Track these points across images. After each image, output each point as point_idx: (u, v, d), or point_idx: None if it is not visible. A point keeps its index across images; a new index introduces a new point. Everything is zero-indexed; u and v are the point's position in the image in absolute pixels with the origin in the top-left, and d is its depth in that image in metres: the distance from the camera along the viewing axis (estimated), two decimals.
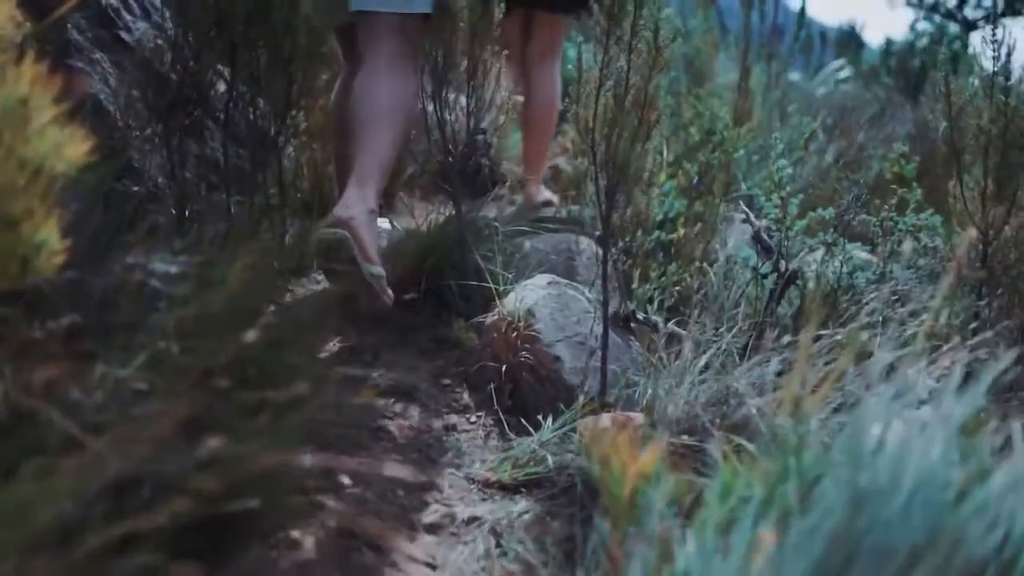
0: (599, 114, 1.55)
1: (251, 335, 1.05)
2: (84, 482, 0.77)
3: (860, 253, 1.90)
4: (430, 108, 1.83)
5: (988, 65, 1.68)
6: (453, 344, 1.76)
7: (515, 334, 1.60)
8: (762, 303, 1.71)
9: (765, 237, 1.71)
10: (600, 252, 2.05)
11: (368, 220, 1.69)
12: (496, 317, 1.65)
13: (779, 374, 1.44)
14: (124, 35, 2.09)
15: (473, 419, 1.54)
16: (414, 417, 1.51)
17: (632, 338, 1.71)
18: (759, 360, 1.49)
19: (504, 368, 1.59)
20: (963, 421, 0.84)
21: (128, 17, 2.12)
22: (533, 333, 1.58)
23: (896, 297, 1.70)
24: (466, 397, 1.61)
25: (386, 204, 2.54)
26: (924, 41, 6.49)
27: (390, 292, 1.69)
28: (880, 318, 1.53)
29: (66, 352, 0.98)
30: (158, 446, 0.87)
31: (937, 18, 8.62)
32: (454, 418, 1.54)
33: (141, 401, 0.97)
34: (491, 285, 1.74)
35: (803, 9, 4.14)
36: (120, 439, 0.84)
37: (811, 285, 1.72)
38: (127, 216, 1.80)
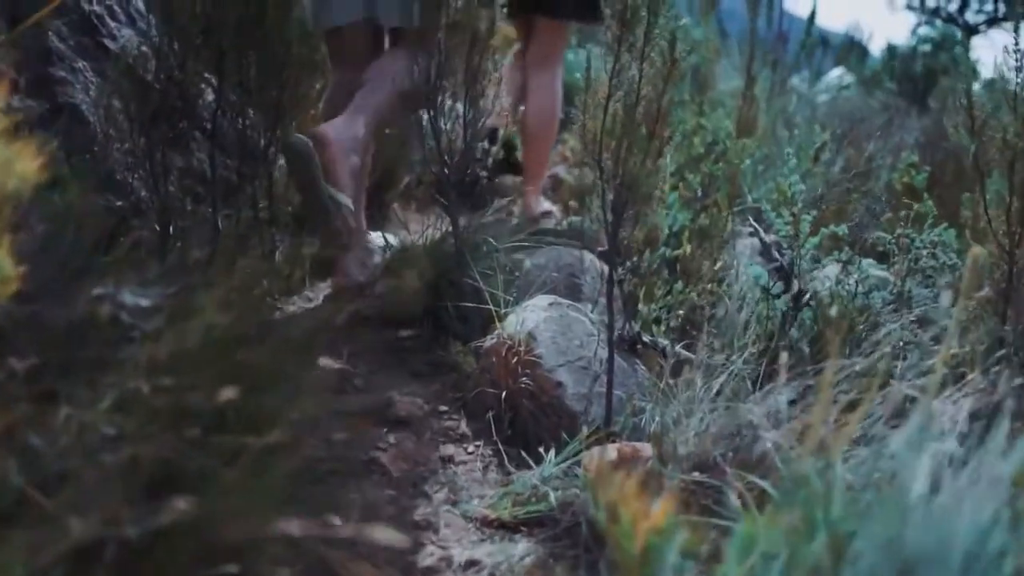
0: (607, 126, 1.47)
1: (230, 374, 0.97)
2: (38, 553, 0.69)
3: (875, 271, 1.82)
4: (425, 117, 1.75)
5: (1011, 76, 1.60)
6: (450, 368, 1.68)
7: (515, 359, 1.52)
8: (774, 325, 1.63)
9: (777, 255, 1.63)
10: (605, 272, 1.99)
11: (348, 148, 1.66)
12: (495, 340, 1.57)
13: (793, 402, 1.37)
14: (108, 42, 2.01)
15: (471, 449, 1.46)
16: (408, 447, 1.43)
17: (637, 361, 1.63)
18: (772, 388, 1.41)
19: (503, 395, 1.51)
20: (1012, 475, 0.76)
21: (112, 24, 2.04)
22: (534, 358, 1.50)
23: (915, 319, 1.62)
24: (463, 425, 1.53)
25: (379, 215, 2.47)
26: (927, 46, 6.43)
27: (352, 225, 1.64)
28: (900, 342, 1.45)
29: (27, 393, 0.90)
30: (124, 503, 0.79)
31: (939, 23, 8.56)
32: (451, 448, 1.45)
33: (109, 447, 0.89)
34: (490, 307, 1.66)
35: (812, 15, 4.05)
36: (81, 499, 0.76)
37: (825, 306, 1.64)
38: (106, 235, 1.72)
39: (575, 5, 2.75)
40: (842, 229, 1.67)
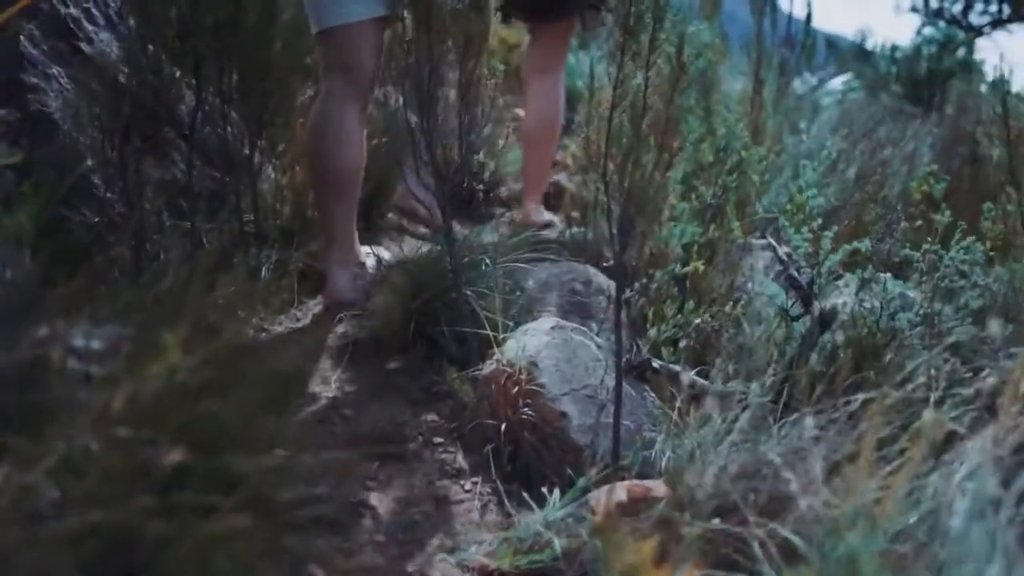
0: (612, 137, 1.37)
1: (195, 425, 0.86)
2: None
3: (897, 287, 1.71)
4: (417, 128, 1.64)
5: None
6: (446, 395, 1.57)
7: (515, 388, 1.41)
8: (793, 348, 1.52)
9: (795, 274, 1.53)
10: (611, 288, 1.88)
11: None
12: (494, 367, 1.46)
13: (818, 440, 1.26)
14: (85, 47, 1.90)
15: (468, 487, 1.35)
16: (401, 486, 1.32)
17: (647, 388, 1.52)
18: (794, 420, 1.30)
19: (503, 427, 1.40)
20: None
21: (90, 27, 1.93)
22: (536, 388, 1.39)
23: (941, 341, 1.51)
24: (460, 459, 1.42)
25: (373, 227, 2.36)
26: (932, 48, 6.32)
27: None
28: (932, 371, 1.34)
29: None
30: None
31: (942, 24, 8.46)
32: (446, 485, 1.35)
33: (53, 514, 0.79)
34: (488, 332, 1.55)
35: (809, 16, 3.95)
36: None
37: (847, 327, 1.53)
38: (72, 256, 1.61)
39: (576, 7, 2.65)
40: (864, 245, 1.56)
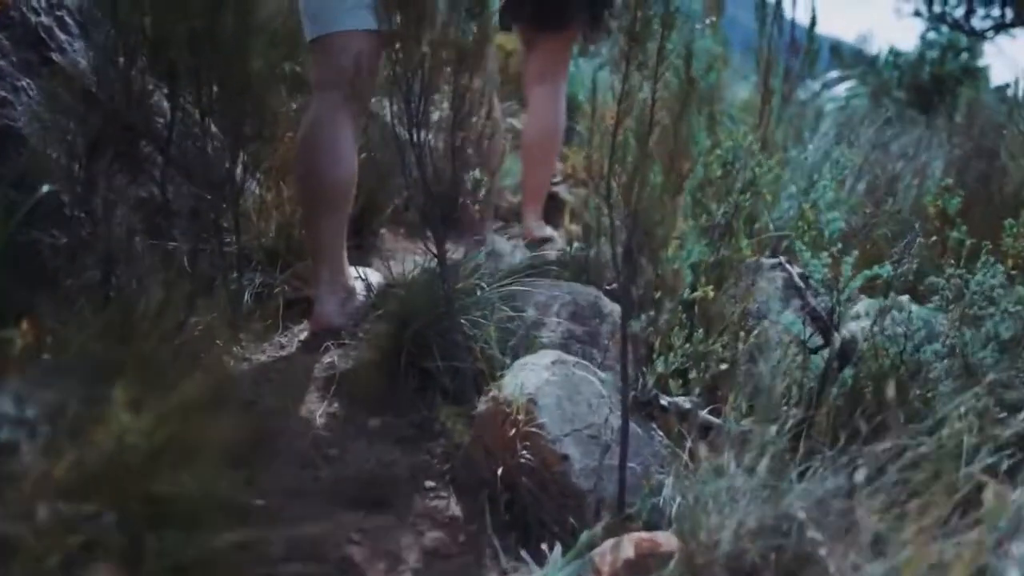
0: (617, 156, 1.26)
1: (147, 499, 0.76)
2: None
3: (916, 310, 1.61)
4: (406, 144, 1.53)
5: None
6: (438, 432, 1.46)
7: (513, 429, 1.30)
8: (810, 381, 1.42)
9: (813, 303, 1.42)
10: (615, 312, 1.77)
11: None
12: (490, 404, 1.36)
13: (848, 493, 1.15)
14: (57, 57, 1.80)
15: (461, 538, 1.24)
16: (388, 538, 1.21)
17: (654, 426, 1.42)
18: (815, 466, 1.20)
19: (500, 471, 1.30)
20: None
21: (63, 37, 1.82)
22: (535, 429, 1.29)
23: (970, 374, 1.41)
24: (452, 505, 1.31)
25: (366, 244, 2.25)
26: (934, 53, 6.23)
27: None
28: (965, 410, 1.24)
29: None
30: None
31: (944, 28, 8.37)
32: (438, 537, 1.24)
33: None
34: (483, 365, 1.44)
35: (813, 21, 3.85)
36: None
37: (867, 360, 1.43)
38: (37, 282, 1.50)
39: (578, 17, 2.55)
40: (886, 270, 1.46)
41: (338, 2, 1.75)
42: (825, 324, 1.37)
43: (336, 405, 1.52)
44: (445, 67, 1.54)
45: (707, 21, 3.56)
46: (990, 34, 8.36)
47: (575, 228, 2.60)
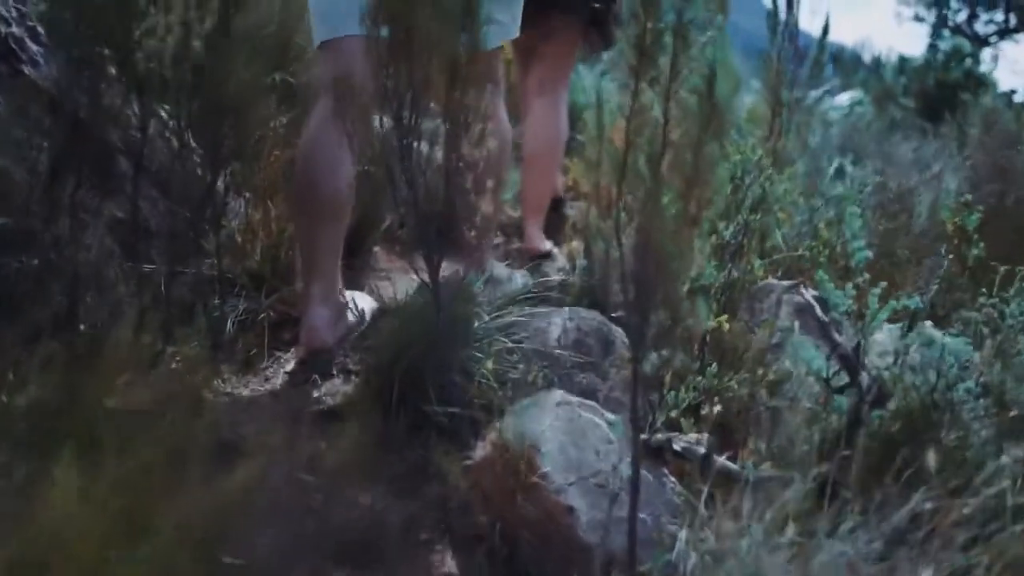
0: (626, 183, 1.16)
1: None
2: None
3: (937, 336, 1.50)
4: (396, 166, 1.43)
5: None
6: (433, 476, 1.36)
7: (514, 477, 1.20)
8: (834, 421, 1.31)
9: (836, 336, 1.32)
10: (621, 339, 1.67)
11: None
12: (488, 450, 1.25)
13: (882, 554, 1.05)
14: (27, 70, 1.69)
15: None
16: None
17: (665, 471, 1.31)
18: (848, 524, 1.10)
19: (499, 524, 1.19)
20: None
21: (34, 48, 1.72)
22: (538, 479, 1.18)
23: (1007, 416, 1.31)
24: (448, 560, 1.21)
25: (359, 263, 2.15)
26: (939, 58, 6.14)
27: None
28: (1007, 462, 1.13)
29: None
30: None
31: (947, 33, 8.29)
32: None
33: None
34: (480, 400, 1.34)
35: (825, 29, 3.76)
36: None
37: (895, 397, 1.32)
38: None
39: (582, 29, 2.47)
40: (915, 302, 1.36)
41: (349, 3, 1.62)
42: (852, 363, 1.27)
43: (322, 445, 1.41)
44: (437, 81, 1.44)
45: (715, 23, 3.46)
46: (993, 39, 8.28)
47: (576, 244, 2.50)
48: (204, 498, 0.87)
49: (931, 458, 1.18)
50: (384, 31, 1.42)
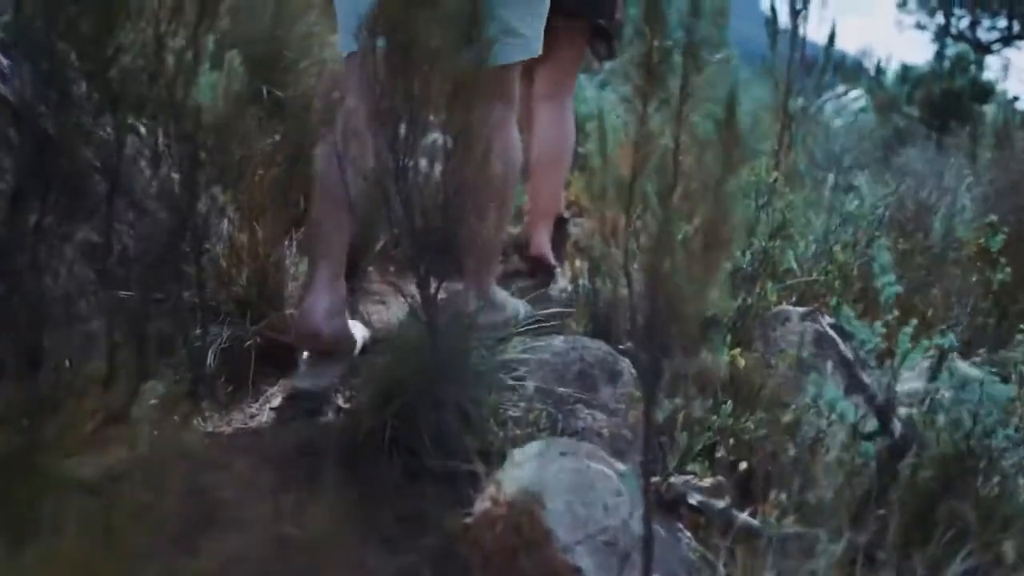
0: (635, 216, 1.06)
1: None
2: None
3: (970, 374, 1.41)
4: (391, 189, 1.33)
5: None
6: (428, 527, 1.25)
7: (516, 535, 1.10)
8: (863, 470, 1.21)
9: (865, 378, 1.22)
10: (629, 370, 1.57)
11: None
12: (488, 504, 1.15)
13: None
14: None
15: None
16: None
17: (680, 526, 1.21)
18: None
19: None
20: None
21: (4, 61, 1.62)
22: (542, 538, 1.08)
23: None
24: None
25: (353, 286, 2.05)
26: (944, 66, 6.06)
27: None
28: None
29: None
30: None
31: (949, 40, 8.21)
32: None
33: None
34: (478, 444, 1.24)
35: (832, 38, 3.68)
36: None
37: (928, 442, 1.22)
38: None
39: (588, 35, 2.39)
40: (948, 341, 1.26)
41: None
42: (883, 409, 1.17)
43: (307, 492, 1.31)
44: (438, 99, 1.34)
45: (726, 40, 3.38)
46: (997, 46, 8.20)
47: (579, 264, 2.40)
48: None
49: (970, 515, 1.09)
50: (381, 42, 1.33)
